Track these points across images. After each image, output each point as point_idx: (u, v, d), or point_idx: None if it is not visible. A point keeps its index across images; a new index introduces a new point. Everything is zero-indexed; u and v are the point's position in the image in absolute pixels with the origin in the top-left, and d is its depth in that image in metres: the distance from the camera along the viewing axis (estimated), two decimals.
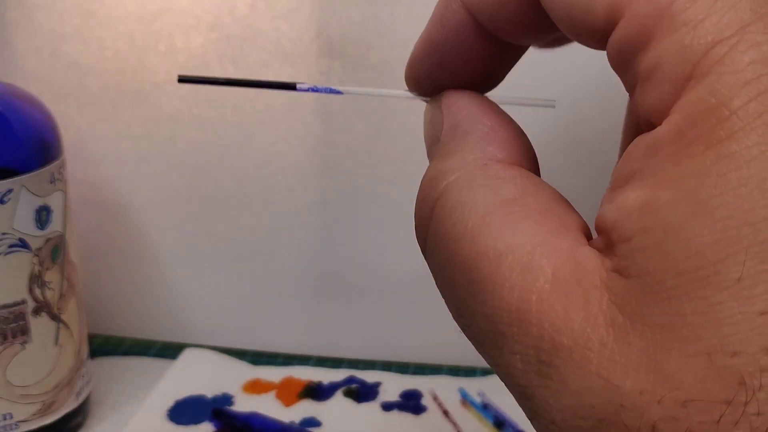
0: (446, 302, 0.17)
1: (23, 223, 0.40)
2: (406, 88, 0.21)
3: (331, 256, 0.53)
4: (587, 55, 0.20)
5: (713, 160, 0.13)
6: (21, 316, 0.41)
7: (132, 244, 0.55)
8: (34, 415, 0.43)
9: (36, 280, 0.41)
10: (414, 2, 0.46)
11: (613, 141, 0.19)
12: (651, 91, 0.14)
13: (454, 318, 0.17)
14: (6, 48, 0.51)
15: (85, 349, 0.47)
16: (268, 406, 0.48)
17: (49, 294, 0.42)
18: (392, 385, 0.50)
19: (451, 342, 0.47)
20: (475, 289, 0.16)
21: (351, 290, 0.54)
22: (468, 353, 0.17)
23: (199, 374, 0.51)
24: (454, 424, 0.47)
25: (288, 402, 0.49)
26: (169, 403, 0.48)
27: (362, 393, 0.49)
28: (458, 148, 0.18)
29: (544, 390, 0.14)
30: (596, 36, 0.15)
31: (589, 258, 0.14)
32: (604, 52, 0.16)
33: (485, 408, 0.48)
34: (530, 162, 0.18)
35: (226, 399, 0.49)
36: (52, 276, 0.42)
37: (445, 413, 0.48)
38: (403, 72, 0.21)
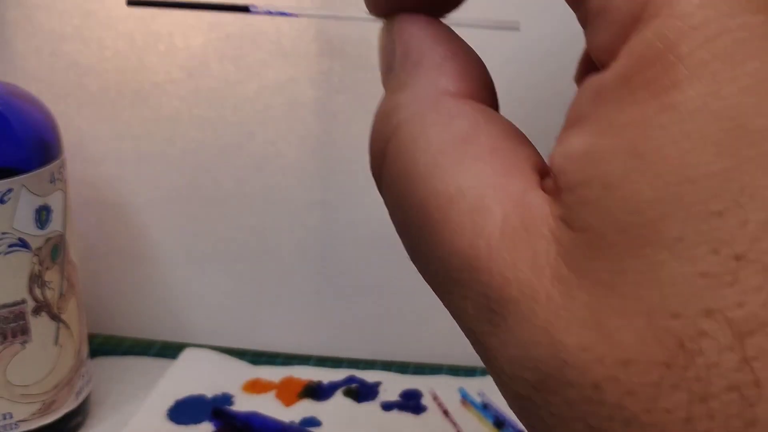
0: (402, 242, 0.17)
1: (23, 222, 0.40)
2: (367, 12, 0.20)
3: (331, 256, 0.54)
4: None
5: (656, 110, 0.12)
6: (21, 316, 0.41)
7: (132, 244, 0.55)
8: (34, 414, 0.43)
9: (36, 279, 0.41)
10: None
11: None
12: (600, 32, 0.14)
13: (410, 259, 0.16)
14: (6, 48, 0.51)
15: (85, 349, 0.47)
16: (268, 406, 0.48)
17: (49, 294, 0.42)
18: (392, 385, 0.50)
19: (451, 342, 0.47)
20: (428, 233, 0.15)
21: (351, 290, 0.54)
22: (468, 353, 0.17)
23: (199, 374, 0.51)
24: (454, 424, 0.47)
25: (288, 402, 0.49)
26: (169, 402, 0.48)
27: (362, 393, 0.49)
28: (410, 81, 0.17)
29: (494, 338, 0.14)
30: None
31: (538, 204, 0.14)
32: None
33: (485, 408, 0.48)
34: (486, 92, 0.17)
35: (226, 399, 0.49)
36: (52, 276, 0.42)
37: (445, 413, 0.48)
38: None
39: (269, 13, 0.20)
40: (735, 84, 0.12)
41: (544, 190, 0.14)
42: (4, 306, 0.41)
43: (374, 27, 0.20)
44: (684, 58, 0.12)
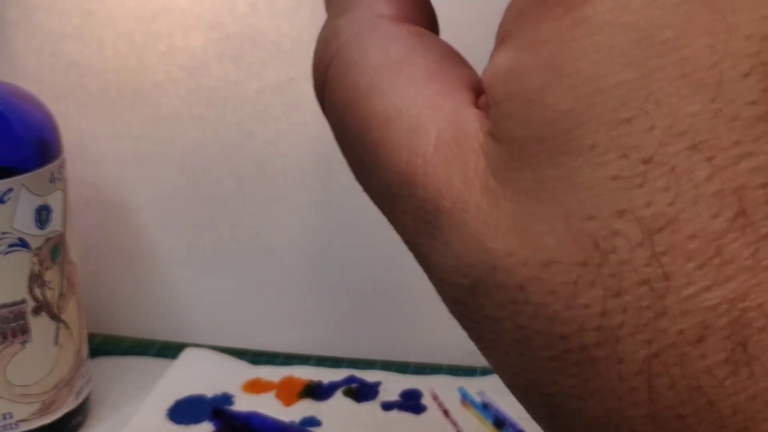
0: (347, 162, 0.17)
1: (23, 222, 0.40)
2: None
3: (330, 256, 0.54)
4: None
5: (570, 25, 0.13)
6: (21, 316, 0.41)
7: (132, 244, 0.55)
8: (34, 414, 0.43)
9: (36, 279, 0.41)
10: None
11: None
12: None
13: (356, 179, 0.17)
14: (6, 48, 0.51)
15: (85, 349, 0.47)
16: (268, 406, 0.48)
17: (49, 293, 0.42)
18: (392, 385, 0.50)
19: (451, 342, 0.47)
20: (369, 152, 0.16)
21: (351, 290, 0.54)
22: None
23: (199, 374, 0.51)
24: (454, 424, 0.47)
25: (288, 401, 0.49)
26: (169, 402, 0.48)
27: (362, 393, 0.49)
28: (348, 6, 0.18)
29: (432, 249, 0.15)
30: None
31: (469, 120, 0.15)
32: None
33: (485, 408, 0.48)
34: (424, 15, 0.18)
35: (226, 398, 0.49)
36: (52, 276, 0.42)
37: (445, 413, 0.48)
38: None
39: None
40: None
41: (478, 107, 0.15)
42: (4, 306, 0.41)
43: None
44: None
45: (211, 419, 0.47)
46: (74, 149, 0.50)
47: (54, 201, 0.42)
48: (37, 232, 0.41)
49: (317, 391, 0.50)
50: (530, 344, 0.13)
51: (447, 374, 0.51)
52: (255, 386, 0.50)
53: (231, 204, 0.53)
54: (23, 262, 0.41)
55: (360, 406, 0.48)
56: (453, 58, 0.17)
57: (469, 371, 0.52)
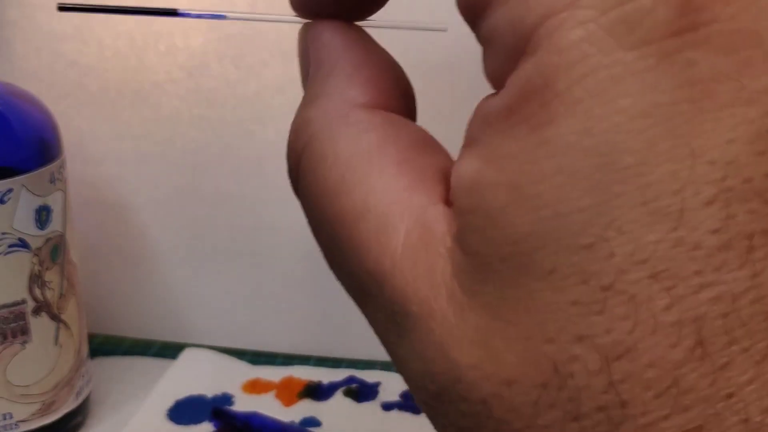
0: (321, 251, 0.17)
1: (23, 222, 0.40)
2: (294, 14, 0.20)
3: None
4: None
5: (534, 146, 0.13)
6: (21, 316, 0.41)
7: (132, 244, 0.55)
8: (34, 414, 0.43)
9: (36, 279, 0.41)
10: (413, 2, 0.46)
11: None
12: (490, 59, 0.14)
13: (329, 268, 0.17)
14: (6, 48, 0.51)
15: (85, 349, 0.47)
16: (268, 406, 0.48)
17: (49, 294, 0.42)
18: (392, 385, 0.50)
19: None
20: (339, 248, 0.16)
21: None
22: None
23: (199, 374, 0.51)
24: None
25: (288, 402, 0.49)
26: (169, 402, 0.48)
27: (362, 393, 0.49)
28: (321, 93, 0.17)
29: (400, 349, 0.15)
30: None
31: (437, 220, 0.14)
32: None
33: None
34: (400, 99, 0.18)
35: (226, 399, 0.49)
36: (52, 276, 0.42)
37: None
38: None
39: (198, 16, 0.20)
40: (606, 121, 0.12)
41: (448, 201, 0.15)
42: (4, 306, 0.41)
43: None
44: (560, 94, 0.13)
45: (211, 419, 0.47)
46: (74, 149, 0.50)
47: (54, 201, 0.42)
48: (37, 232, 0.41)
49: (317, 392, 0.50)
50: None
51: None
52: (255, 386, 0.50)
53: (231, 204, 0.53)
54: (23, 262, 0.41)
55: (360, 406, 0.48)
56: (426, 144, 0.16)
57: None
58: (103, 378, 0.51)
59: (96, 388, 0.49)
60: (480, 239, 0.13)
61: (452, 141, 0.17)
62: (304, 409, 0.48)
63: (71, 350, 0.44)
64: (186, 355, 0.53)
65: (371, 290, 0.15)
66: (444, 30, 0.20)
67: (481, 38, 0.14)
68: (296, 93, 0.54)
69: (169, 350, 0.54)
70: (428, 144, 0.16)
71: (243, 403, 0.48)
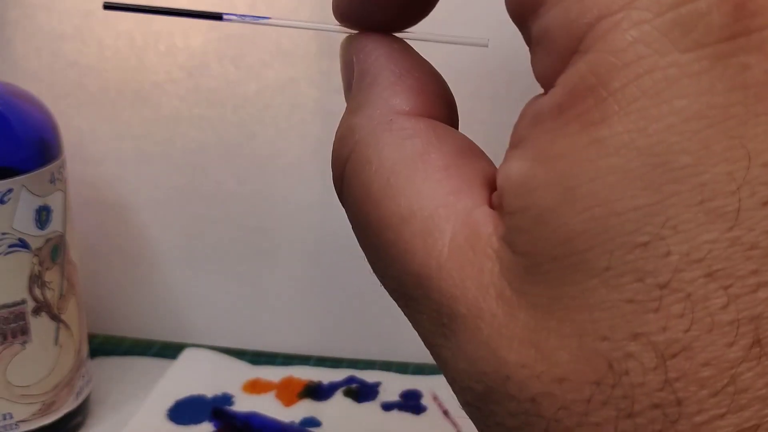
0: (365, 256, 0.17)
1: (23, 223, 0.40)
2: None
3: (331, 256, 0.54)
4: None
5: (586, 144, 0.13)
6: (21, 316, 0.41)
7: (132, 244, 0.55)
8: (34, 415, 0.43)
9: (36, 280, 0.41)
10: None
11: None
12: (540, 58, 0.14)
13: (374, 272, 0.17)
14: (6, 48, 0.51)
15: (85, 349, 0.47)
16: (268, 406, 0.48)
17: (49, 294, 0.42)
18: (392, 385, 0.50)
19: None
20: (384, 252, 0.16)
21: (351, 290, 0.54)
22: None
23: (199, 374, 0.51)
24: (454, 424, 0.47)
25: (288, 402, 0.49)
26: (169, 403, 0.48)
27: (362, 393, 0.49)
28: (366, 102, 0.18)
29: (446, 351, 0.15)
30: None
31: (484, 222, 0.15)
32: None
33: None
34: (443, 108, 0.18)
35: (226, 399, 0.49)
36: (52, 276, 0.42)
37: (445, 413, 0.48)
38: None
39: (242, 17, 0.21)
40: (662, 121, 0.12)
41: (492, 204, 0.15)
42: (4, 306, 0.41)
43: None
44: (615, 93, 0.13)
45: (211, 419, 0.47)
46: (74, 149, 0.50)
47: (54, 201, 0.42)
48: (37, 232, 0.41)
49: (317, 392, 0.50)
50: None
51: None
52: (255, 386, 0.50)
53: (231, 204, 0.53)
54: (23, 262, 0.41)
55: (360, 407, 0.48)
56: (469, 151, 0.17)
57: None
58: (103, 378, 0.51)
59: (96, 388, 0.49)
60: (530, 239, 0.13)
61: (493, 152, 0.17)
62: (304, 409, 0.48)
63: (71, 350, 0.44)
64: (186, 355, 0.53)
65: (416, 293, 0.15)
66: (485, 45, 0.21)
67: (532, 38, 0.14)
68: (296, 93, 0.54)
69: (169, 350, 0.54)
70: (471, 150, 0.17)
71: (243, 403, 0.48)
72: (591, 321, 0.13)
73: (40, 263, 0.42)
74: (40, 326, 0.42)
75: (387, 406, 0.48)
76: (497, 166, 0.16)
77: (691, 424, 0.12)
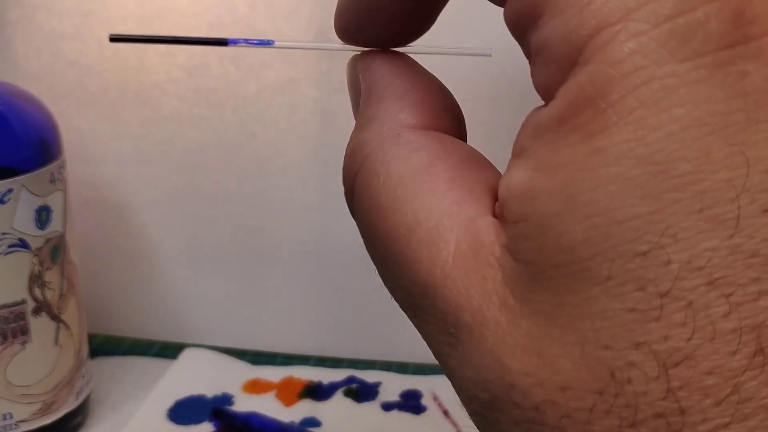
0: (376, 269, 0.18)
1: (23, 223, 0.40)
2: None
3: (330, 256, 0.54)
4: None
5: (586, 154, 0.13)
6: (21, 316, 0.41)
7: (132, 244, 0.55)
8: (34, 414, 0.43)
9: (36, 280, 0.41)
10: None
11: None
12: (540, 70, 0.14)
13: (384, 285, 0.17)
14: (6, 48, 0.51)
15: (85, 349, 0.47)
16: (268, 406, 0.48)
17: (49, 294, 0.42)
18: (392, 385, 0.50)
19: None
20: (392, 262, 0.16)
21: (351, 290, 0.54)
22: None
23: (199, 374, 0.51)
24: (454, 424, 0.47)
25: (288, 402, 0.49)
26: (169, 402, 0.48)
27: (362, 393, 0.49)
28: (374, 117, 0.18)
29: (453, 359, 0.15)
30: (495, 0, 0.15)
31: (486, 230, 0.15)
32: None
33: None
34: (449, 120, 0.18)
35: (226, 399, 0.49)
36: (52, 276, 0.42)
37: (445, 413, 0.48)
38: None
39: (247, 41, 0.21)
40: (660, 130, 0.12)
41: (496, 214, 0.15)
42: (4, 306, 0.41)
43: None
44: (614, 104, 0.13)
45: (211, 419, 0.47)
46: (74, 149, 0.50)
47: (54, 201, 0.42)
48: (37, 232, 0.41)
49: (317, 392, 0.50)
50: None
51: None
52: (255, 386, 0.50)
53: (231, 204, 0.53)
54: (23, 262, 0.41)
55: (360, 407, 0.48)
56: (475, 162, 0.17)
57: None
58: (103, 378, 0.51)
59: (96, 388, 0.49)
60: (532, 247, 0.14)
61: (500, 161, 0.17)
62: (304, 409, 0.48)
63: (71, 350, 0.44)
64: (186, 355, 0.53)
65: (423, 302, 0.15)
66: (488, 55, 0.21)
67: (532, 50, 0.14)
68: (296, 93, 0.54)
69: (169, 350, 0.54)
70: (477, 161, 0.17)
71: (243, 403, 0.48)
72: (593, 329, 0.13)
73: (40, 263, 0.42)
74: (40, 326, 0.42)
75: (387, 406, 0.48)
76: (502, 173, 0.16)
77: None
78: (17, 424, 0.42)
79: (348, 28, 0.20)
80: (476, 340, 0.14)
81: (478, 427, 0.15)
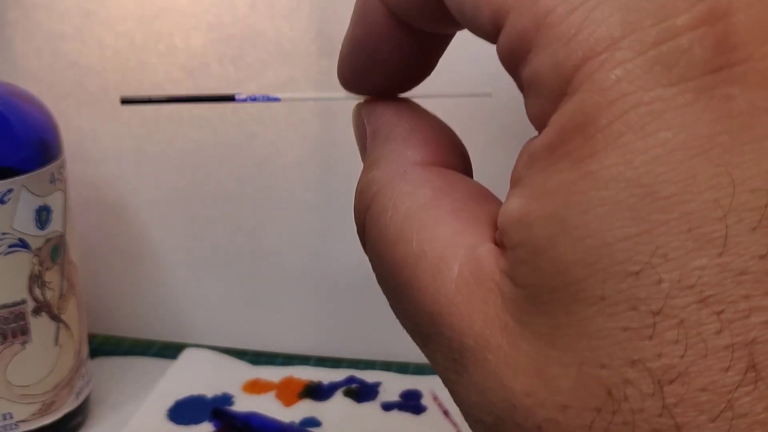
0: (389, 303, 0.18)
1: (23, 223, 0.40)
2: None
3: (330, 256, 0.54)
4: None
5: (576, 178, 0.13)
6: (21, 316, 0.41)
7: (132, 245, 0.55)
8: (34, 415, 0.43)
9: (36, 280, 0.41)
10: None
11: None
12: (532, 101, 0.15)
13: (397, 318, 0.18)
14: (6, 48, 0.51)
15: (85, 349, 0.47)
16: (268, 406, 0.48)
17: (49, 294, 0.42)
18: (392, 385, 0.50)
19: None
20: (400, 294, 0.17)
21: (351, 290, 0.54)
22: None
23: (199, 374, 0.51)
24: (454, 424, 0.47)
25: (288, 402, 0.49)
26: (169, 403, 0.48)
27: (362, 393, 0.49)
28: (381, 156, 0.19)
29: (459, 385, 0.15)
30: (487, 37, 0.16)
31: (487, 257, 0.15)
32: None
33: None
34: (454, 156, 0.19)
35: (226, 399, 0.49)
36: (52, 276, 0.42)
37: (445, 413, 0.48)
38: None
39: (253, 99, 0.22)
40: (647, 153, 0.13)
41: (496, 242, 0.15)
42: (4, 306, 0.41)
43: None
44: (602, 129, 0.13)
45: (211, 419, 0.47)
46: (74, 149, 0.50)
47: (54, 201, 0.42)
48: (37, 232, 0.41)
49: (317, 392, 0.50)
50: None
51: None
52: (255, 386, 0.50)
53: (231, 204, 0.53)
54: (23, 262, 0.41)
55: (360, 407, 0.48)
56: (479, 195, 0.17)
57: None
58: (103, 378, 0.51)
59: (96, 388, 0.49)
60: (529, 271, 0.14)
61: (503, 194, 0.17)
62: (304, 409, 0.48)
63: (71, 350, 0.44)
64: (186, 355, 0.53)
65: (430, 331, 0.16)
66: (489, 95, 0.22)
67: (524, 82, 0.15)
68: (296, 93, 0.53)
69: (169, 350, 0.54)
70: (482, 194, 0.17)
71: (243, 403, 0.48)
72: (589, 349, 0.13)
73: (40, 263, 0.42)
74: (40, 326, 0.42)
75: (387, 406, 0.48)
76: None
77: None
78: (17, 424, 0.43)
79: (351, 78, 0.20)
80: (480, 363, 0.15)
81: None
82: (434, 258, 0.16)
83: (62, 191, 0.43)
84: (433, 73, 0.20)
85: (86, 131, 0.52)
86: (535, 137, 0.15)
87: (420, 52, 0.19)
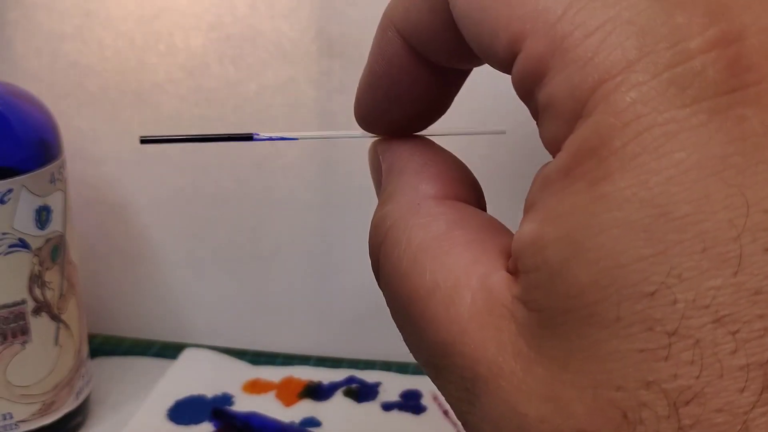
0: (402, 336, 0.18)
1: (23, 223, 0.40)
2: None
3: (331, 256, 0.54)
4: None
5: (590, 200, 0.13)
6: (21, 316, 0.41)
7: (132, 245, 0.55)
8: (34, 415, 0.43)
9: (36, 280, 0.41)
10: None
11: None
12: (547, 125, 0.15)
13: (410, 352, 0.18)
14: (6, 48, 0.51)
15: (85, 349, 0.47)
16: (268, 406, 0.48)
17: (49, 294, 0.42)
18: (392, 385, 0.50)
19: None
20: (415, 326, 0.17)
21: (351, 290, 0.54)
22: None
23: (199, 374, 0.51)
24: (454, 424, 0.47)
25: (288, 402, 0.49)
26: (169, 403, 0.48)
27: (362, 393, 0.49)
28: (395, 191, 0.19)
29: (472, 416, 0.15)
30: (502, 65, 0.16)
31: (499, 285, 0.15)
32: None
33: None
34: (466, 189, 0.19)
35: (226, 399, 0.49)
36: (52, 276, 0.42)
37: (445, 413, 0.48)
38: None
39: (270, 139, 0.22)
40: (662, 174, 0.13)
41: (509, 269, 0.15)
42: (4, 306, 0.41)
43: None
44: (616, 151, 0.13)
45: (211, 419, 0.47)
46: (74, 149, 0.50)
47: (54, 201, 0.42)
48: (37, 232, 0.41)
49: (317, 392, 0.50)
50: None
51: None
52: (255, 386, 0.50)
53: (231, 204, 0.53)
54: (23, 262, 0.41)
55: (360, 407, 0.48)
56: (492, 227, 0.17)
57: None
58: (103, 378, 0.51)
59: (96, 388, 0.49)
60: (543, 294, 0.14)
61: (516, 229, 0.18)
62: (304, 409, 0.48)
63: (71, 350, 0.44)
64: (186, 355, 0.53)
65: (443, 362, 0.16)
66: (503, 132, 0.22)
67: (539, 106, 0.15)
68: (296, 93, 0.54)
69: (169, 350, 0.54)
70: (494, 227, 0.18)
71: (243, 403, 0.48)
72: (604, 371, 0.13)
73: (40, 263, 0.42)
74: (40, 326, 0.42)
75: (387, 406, 0.48)
76: None
77: None
78: (17, 424, 0.43)
79: (367, 117, 0.21)
80: (493, 392, 0.14)
81: None
82: (447, 289, 0.16)
83: (62, 191, 0.43)
84: (448, 111, 0.21)
85: (86, 131, 0.52)
86: (548, 163, 0.15)
87: (437, 88, 0.20)
